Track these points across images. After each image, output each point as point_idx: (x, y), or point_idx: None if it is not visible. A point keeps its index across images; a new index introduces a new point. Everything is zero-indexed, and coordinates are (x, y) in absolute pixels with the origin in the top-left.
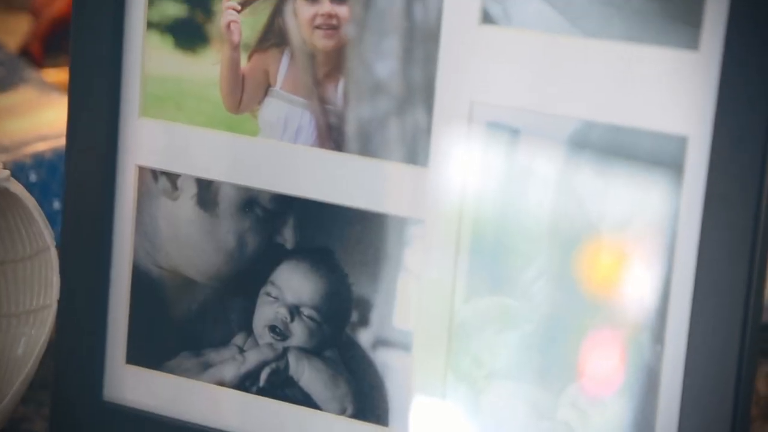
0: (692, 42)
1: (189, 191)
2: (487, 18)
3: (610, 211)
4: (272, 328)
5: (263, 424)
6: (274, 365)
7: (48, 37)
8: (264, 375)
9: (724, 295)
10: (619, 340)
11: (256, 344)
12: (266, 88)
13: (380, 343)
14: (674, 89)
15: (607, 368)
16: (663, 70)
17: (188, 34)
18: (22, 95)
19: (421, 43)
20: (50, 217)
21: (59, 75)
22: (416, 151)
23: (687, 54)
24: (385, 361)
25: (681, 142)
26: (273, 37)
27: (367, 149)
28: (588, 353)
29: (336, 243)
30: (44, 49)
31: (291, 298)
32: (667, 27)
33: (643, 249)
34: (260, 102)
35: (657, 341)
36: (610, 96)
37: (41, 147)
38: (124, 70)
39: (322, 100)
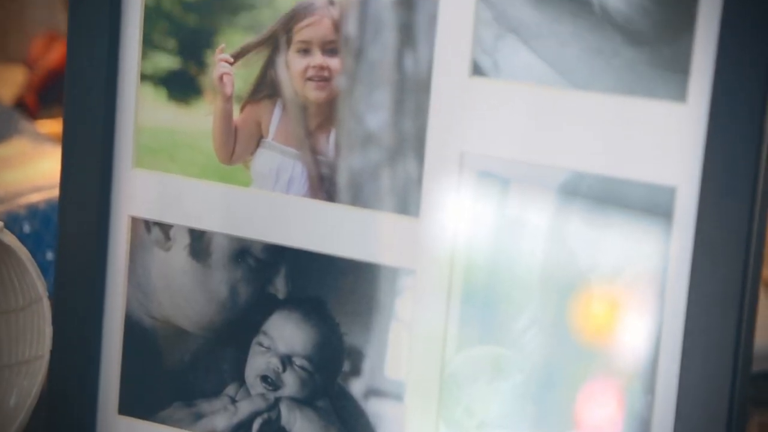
0: (680, 94)
1: (181, 242)
2: (477, 70)
3: (601, 261)
4: (264, 378)
5: None
6: (266, 415)
7: (43, 88)
8: (256, 425)
9: (714, 344)
10: (610, 390)
11: (248, 394)
12: (258, 139)
13: (372, 393)
14: (663, 140)
15: (599, 418)
16: (652, 121)
17: (181, 86)
18: (17, 146)
19: (412, 94)
20: (43, 267)
21: (54, 126)
22: (407, 202)
23: (675, 106)
24: (377, 411)
25: (670, 192)
26: (265, 88)
27: (358, 200)
28: (581, 403)
29: (328, 293)
30: (39, 100)
31: (283, 348)
32: (655, 79)
33: (633, 298)
34: (252, 153)
35: (648, 391)
36: (599, 147)
37: (35, 198)
38: (118, 122)
39: (314, 151)
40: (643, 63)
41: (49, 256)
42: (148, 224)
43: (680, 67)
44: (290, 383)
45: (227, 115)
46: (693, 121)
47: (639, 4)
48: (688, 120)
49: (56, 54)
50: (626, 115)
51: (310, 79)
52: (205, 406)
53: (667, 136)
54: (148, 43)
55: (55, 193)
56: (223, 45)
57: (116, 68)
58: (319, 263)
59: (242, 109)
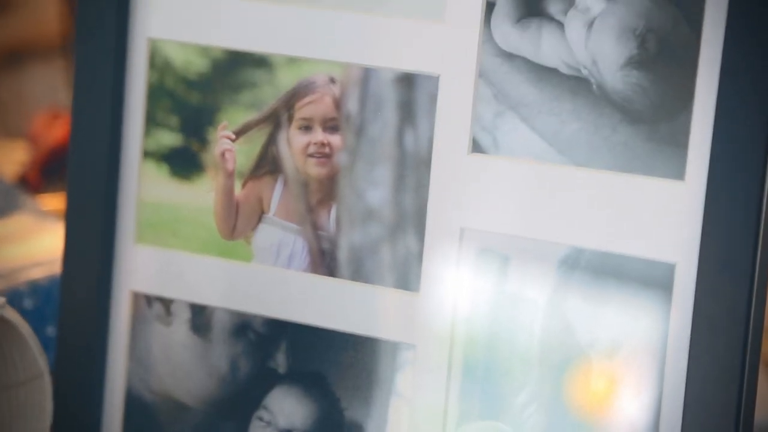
0: (678, 172)
1: (182, 316)
2: (476, 147)
3: (600, 336)
4: None
5: None
6: None
7: (45, 164)
8: None
9: (715, 420)
10: None
11: None
12: (260, 214)
13: None
14: (662, 217)
15: None
16: (650, 198)
17: (184, 162)
18: (18, 222)
19: (413, 171)
20: (45, 342)
21: (56, 202)
22: (408, 277)
23: (674, 183)
24: None
25: (669, 268)
26: (267, 165)
27: (359, 275)
28: None
29: (328, 368)
30: (41, 176)
31: (283, 422)
32: (653, 157)
33: (633, 373)
34: (254, 228)
35: None
36: (598, 223)
37: (37, 273)
38: (120, 197)
39: (315, 227)
40: (641, 141)
41: (51, 331)
42: (150, 299)
43: (678, 145)
44: None
45: (229, 191)
46: (691, 199)
47: (636, 83)
48: (687, 197)
49: (58, 130)
50: (625, 192)
51: (311, 155)
52: None
53: (665, 213)
54: (151, 121)
55: (56, 268)
56: (225, 122)
57: (119, 145)
58: (320, 338)
59: (244, 185)
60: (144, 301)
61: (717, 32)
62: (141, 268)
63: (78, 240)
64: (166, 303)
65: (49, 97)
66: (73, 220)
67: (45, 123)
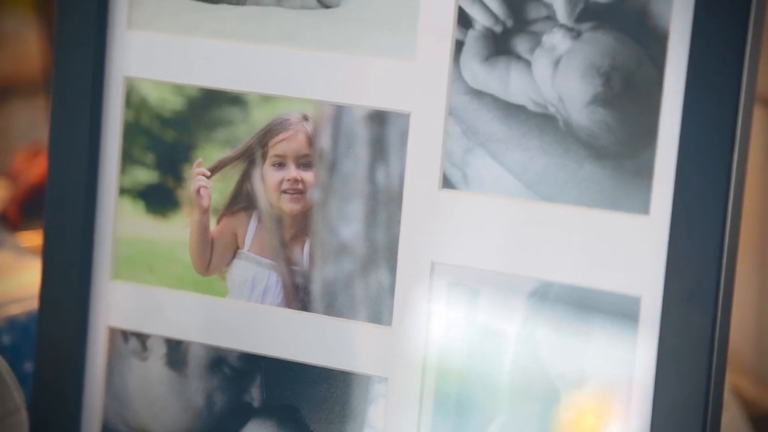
0: (643, 207)
1: (158, 351)
2: (447, 183)
3: (569, 368)
4: None
5: None
6: None
7: (25, 201)
8: None
9: None
10: None
11: None
12: (234, 250)
13: None
14: (627, 251)
15: None
16: (616, 232)
17: (159, 199)
18: None
19: (384, 206)
20: (22, 379)
21: (35, 239)
22: (380, 311)
23: (638, 218)
24: None
25: (635, 301)
26: (241, 201)
27: (332, 309)
28: None
29: (302, 401)
30: (21, 213)
31: None
32: (619, 192)
33: (601, 405)
34: (229, 264)
35: None
36: (566, 257)
37: (15, 310)
38: (97, 234)
39: (289, 262)
40: (606, 176)
41: (29, 367)
42: (126, 334)
43: (642, 181)
44: None
45: (204, 227)
46: (656, 233)
47: (602, 120)
48: (651, 231)
49: (39, 168)
50: (592, 227)
51: (285, 191)
52: None
53: (631, 247)
54: (128, 158)
55: (35, 304)
56: (200, 159)
57: (96, 181)
58: (294, 372)
59: (219, 221)
60: (120, 337)
61: (679, 71)
62: (117, 303)
63: (55, 276)
64: (142, 338)
65: (29, 134)
66: (49, 256)
67: (25, 160)
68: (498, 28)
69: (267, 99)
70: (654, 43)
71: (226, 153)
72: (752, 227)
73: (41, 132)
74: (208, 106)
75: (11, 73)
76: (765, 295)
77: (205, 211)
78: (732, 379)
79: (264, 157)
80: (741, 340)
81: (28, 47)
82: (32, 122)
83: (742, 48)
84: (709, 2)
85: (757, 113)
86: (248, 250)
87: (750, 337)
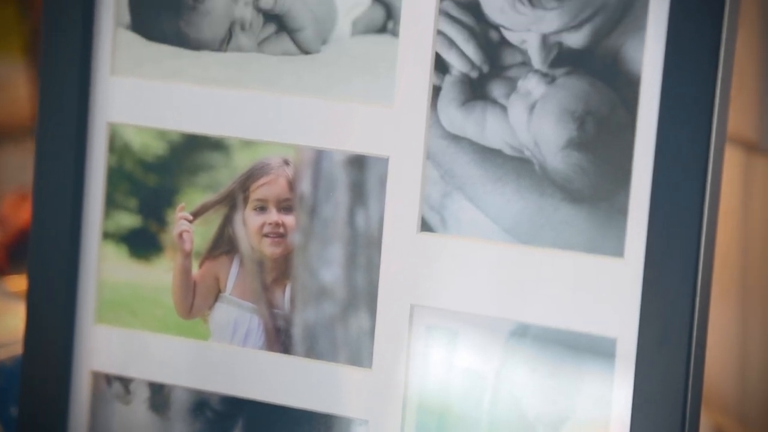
0: (618, 249)
1: (141, 395)
2: (425, 226)
3: (546, 409)
4: None
5: None
6: None
7: (13, 246)
8: None
9: None
10: None
11: None
12: (216, 293)
13: None
14: (603, 293)
15: None
16: (592, 275)
17: (143, 243)
18: None
19: (364, 250)
20: (7, 423)
21: (22, 283)
22: (360, 353)
23: (613, 260)
24: None
25: (611, 342)
26: (223, 245)
27: (313, 352)
28: None
29: None
30: (8, 257)
31: None
32: (593, 235)
33: None
34: (211, 307)
35: None
36: (543, 299)
37: (0, 354)
38: (81, 279)
39: (270, 305)
40: (581, 219)
41: (14, 411)
42: (109, 378)
43: (617, 223)
44: None
45: (186, 271)
46: (630, 275)
47: (576, 164)
48: (626, 274)
49: (27, 212)
50: (568, 269)
51: (266, 235)
52: None
53: (607, 289)
54: (111, 202)
55: (19, 349)
56: (182, 204)
57: (79, 226)
58: (276, 414)
59: (201, 264)
60: (104, 380)
61: (651, 114)
62: (101, 347)
63: (39, 320)
64: (126, 382)
65: (19, 178)
66: (34, 301)
67: (13, 204)
68: (474, 74)
69: (248, 144)
70: (626, 87)
71: (208, 197)
72: (730, 264)
73: (30, 177)
74: (191, 151)
75: (1, 117)
76: (746, 332)
77: (187, 255)
78: (715, 418)
79: (245, 201)
80: (723, 379)
81: (18, 91)
82: (21, 166)
83: (713, 90)
84: (679, 47)
85: (729, 153)
86: (230, 294)
87: (732, 376)
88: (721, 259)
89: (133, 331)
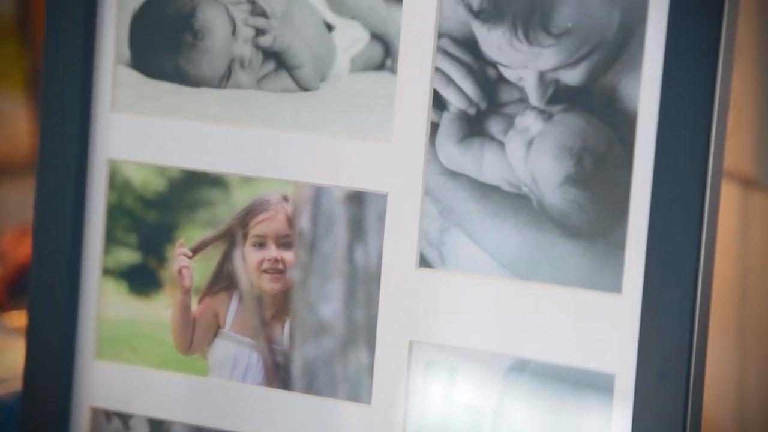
0: (615, 285)
1: (141, 431)
2: (424, 262)
3: None
4: None
5: None
6: None
7: (13, 281)
8: None
9: None
10: None
11: None
12: (216, 329)
13: None
14: (601, 329)
15: None
16: (589, 311)
17: (142, 279)
18: None
19: (363, 285)
20: None
21: (22, 319)
22: (359, 389)
23: (611, 296)
24: None
25: (609, 378)
26: (222, 281)
27: (312, 388)
28: None
29: None
30: (9, 293)
31: None
32: (591, 270)
33: None
34: (210, 343)
35: None
36: (541, 335)
37: (0, 390)
38: (80, 315)
39: (269, 341)
40: (579, 255)
41: None
42: (109, 414)
43: (614, 259)
44: None
45: (186, 307)
46: (628, 311)
47: (574, 200)
48: (624, 310)
49: (27, 248)
50: (566, 305)
51: (265, 271)
52: None
53: (605, 325)
54: (111, 239)
55: (19, 385)
56: (182, 240)
57: (79, 262)
58: None
59: (200, 300)
60: (103, 417)
61: (648, 151)
62: (100, 383)
63: (39, 356)
64: (125, 418)
65: (19, 214)
66: (34, 337)
67: (13, 240)
68: (472, 111)
69: (247, 180)
70: (623, 124)
71: (207, 233)
72: (728, 299)
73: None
74: (190, 188)
75: (1, 153)
76: (744, 367)
77: (186, 291)
78: None
79: (245, 237)
80: (721, 414)
81: (18, 127)
82: (22, 202)
83: (709, 127)
84: (675, 84)
85: (726, 189)
86: (229, 330)
87: (730, 411)
88: (719, 294)
89: (132, 367)
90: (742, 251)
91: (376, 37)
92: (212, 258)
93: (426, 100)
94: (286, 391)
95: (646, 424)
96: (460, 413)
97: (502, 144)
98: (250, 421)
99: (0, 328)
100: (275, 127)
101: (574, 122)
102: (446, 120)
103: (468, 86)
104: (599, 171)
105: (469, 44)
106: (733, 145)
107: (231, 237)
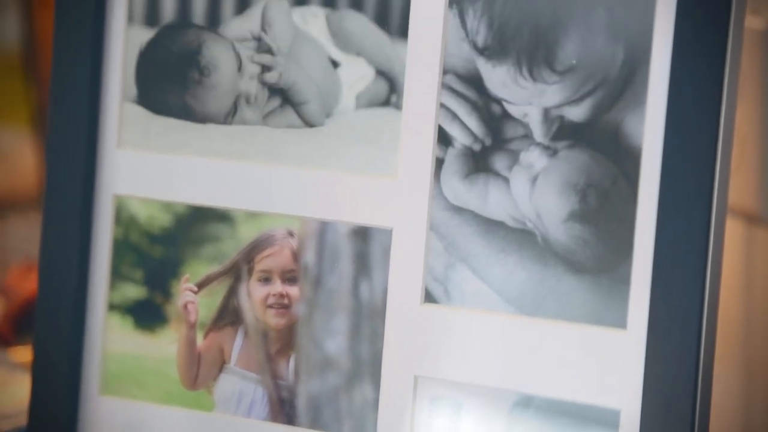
0: (620, 321)
1: None
2: (429, 297)
3: None
4: None
5: None
6: None
7: (19, 317)
8: None
9: None
10: None
11: None
12: (221, 364)
13: None
14: (606, 365)
15: None
16: (595, 347)
17: (148, 314)
18: None
19: (368, 321)
20: None
21: (27, 354)
22: (364, 424)
23: (616, 332)
24: None
25: (615, 414)
26: (228, 316)
27: (317, 423)
28: None
29: None
30: (14, 328)
31: None
32: (596, 306)
33: None
34: (215, 378)
35: None
36: (546, 371)
37: (5, 426)
38: (86, 350)
39: (275, 376)
40: (584, 291)
41: None
42: None
43: (619, 295)
44: None
45: (191, 342)
46: (634, 347)
47: (578, 236)
48: (629, 345)
49: (32, 283)
50: (571, 340)
51: (270, 306)
52: None
53: (610, 361)
54: (117, 274)
55: (24, 420)
56: (187, 275)
57: (85, 298)
58: None
59: (206, 335)
60: None
61: (652, 186)
62: (106, 419)
63: (44, 391)
64: None
65: (24, 249)
66: (39, 372)
67: (19, 275)
68: (477, 147)
69: (253, 215)
70: (628, 160)
71: (213, 269)
72: (733, 335)
73: (36, 247)
74: (196, 223)
75: (7, 188)
76: (750, 403)
77: (192, 326)
78: None
79: (250, 272)
80: None
81: (23, 163)
82: (27, 237)
83: (713, 163)
84: (679, 121)
85: (730, 225)
86: (234, 365)
87: None
88: (724, 330)
89: (137, 402)
90: (746, 286)
91: (381, 73)
92: (218, 293)
93: (431, 136)
94: (291, 426)
95: None
96: None
97: (506, 180)
98: None
99: (5, 364)
100: (281, 162)
101: (579, 158)
102: (451, 156)
103: (473, 122)
104: (604, 207)
105: (474, 81)
106: (736, 182)
107: (236, 272)
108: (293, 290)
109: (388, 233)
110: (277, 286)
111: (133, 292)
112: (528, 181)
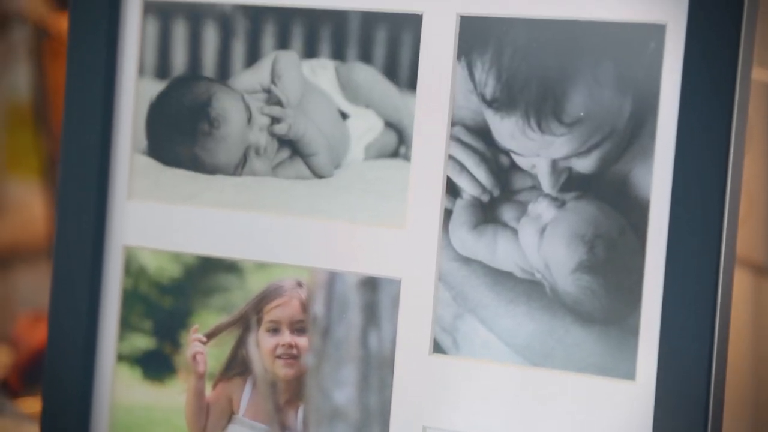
0: (629, 372)
1: None
2: (437, 348)
3: None
4: None
5: None
6: None
7: (27, 367)
8: None
9: None
10: None
11: None
12: (230, 415)
13: None
14: (614, 417)
15: None
16: (603, 398)
17: (157, 365)
18: None
19: (377, 371)
20: None
21: (35, 405)
22: None
23: (624, 383)
24: None
25: None
26: (237, 366)
27: None
28: None
29: None
30: (23, 379)
31: None
32: (605, 357)
33: None
34: (224, 429)
35: None
36: (555, 422)
37: None
38: (95, 401)
39: (283, 427)
40: (592, 342)
41: None
42: None
43: (628, 346)
44: None
45: (200, 393)
46: (642, 398)
47: (587, 287)
48: (638, 397)
49: (41, 334)
50: (579, 392)
51: (279, 356)
52: None
53: (618, 412)
54: (126, 325)
55: None
56: (196, 325)
57: (94, 348)
58: None
59: (214, 386)
60: None
61: (661, 239)
62: None
63: None
64: None
65: (33, 300)
66: (48, 423)
67: (28, 326)
68: (485, 198)
69: (262, 266)
70: (635, 211)
71: (222, 319)
72: (742, 386)
73: (44, 298)
74: (205, 274)
75: (16, 238)
76: None
77: (201, 377)
78: None
79: (259, 322)
80: None
81: (34, 213)
82: (36, 288)
83: (721, 215)
84: (687, 172)
85: (738, 276)
86: (243, 416)
87: None
88: (732, 382)
89: None
90: (755, 338)
91: (390, 125)
92: (227, 343)
93: (439, 187)
94: None
95: None
96: None
97: (515, 231)
98: None
99: (13, 414)
100: (290, 213)
101: (587, 210)
102: (459, 207)
103: (481, 174)
104: (612, 258)
105: (483, 132)
106: (744, 233)
107: (245, 322)
108: (302, 341)
109: (396, 283)
110: (286, 337)
111: (143, 342)
112: (536, 232)
